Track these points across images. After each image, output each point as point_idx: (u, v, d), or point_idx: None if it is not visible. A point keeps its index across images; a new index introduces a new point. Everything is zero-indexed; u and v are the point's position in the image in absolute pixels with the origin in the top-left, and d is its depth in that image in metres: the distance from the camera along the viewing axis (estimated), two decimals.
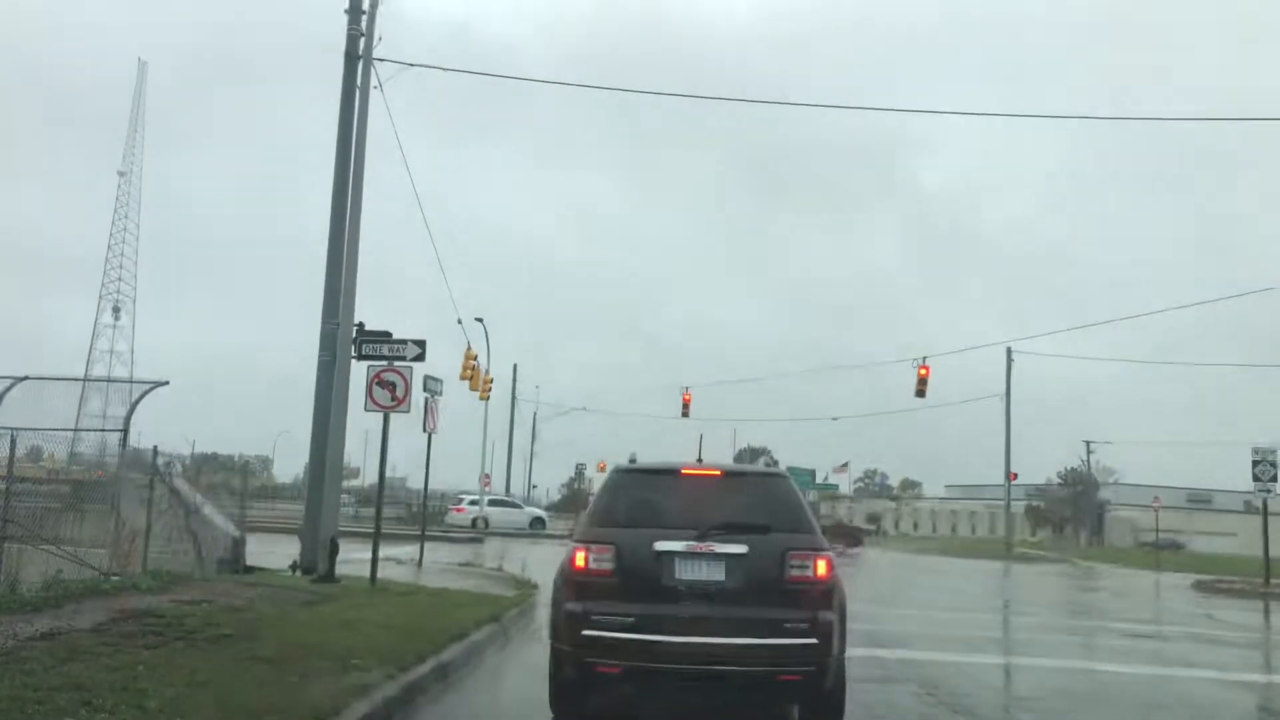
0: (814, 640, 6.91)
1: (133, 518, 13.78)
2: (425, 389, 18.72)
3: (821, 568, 7.18)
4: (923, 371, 34.36)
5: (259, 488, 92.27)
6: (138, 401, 17.96)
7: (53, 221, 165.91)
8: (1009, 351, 50.32)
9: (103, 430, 15.56)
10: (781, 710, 7.85)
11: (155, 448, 13.70)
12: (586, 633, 6.95)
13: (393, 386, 14.06)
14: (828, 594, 7.16)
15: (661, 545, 7.11)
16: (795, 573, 7.12)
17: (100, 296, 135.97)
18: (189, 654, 7.81)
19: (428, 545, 30.73)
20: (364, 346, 14.33)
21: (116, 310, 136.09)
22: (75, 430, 16.30)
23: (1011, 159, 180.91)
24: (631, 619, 6.94)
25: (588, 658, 7.00)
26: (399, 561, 19.50)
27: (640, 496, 7.84)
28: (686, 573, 7.08)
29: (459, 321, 35.19)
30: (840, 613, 7.23)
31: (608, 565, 7.17)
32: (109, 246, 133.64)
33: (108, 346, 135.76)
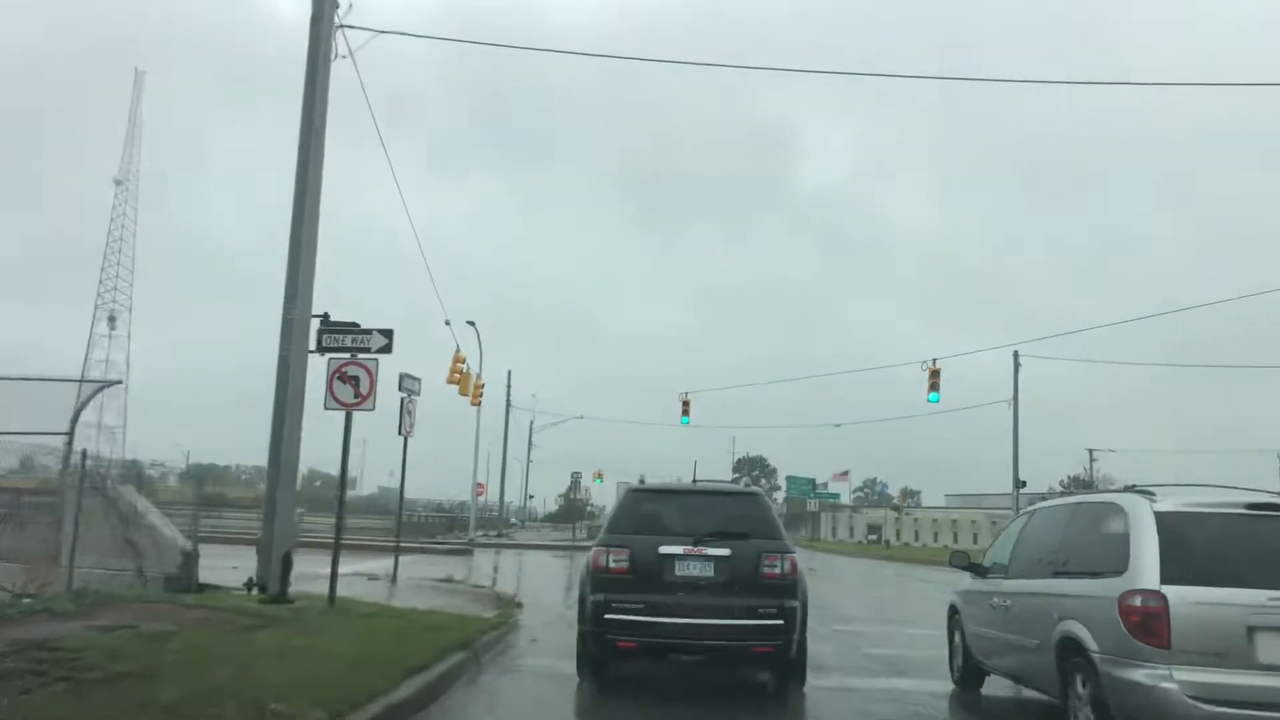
0: (781, 622, 8.80)
1: (62, 530, 12.21)
2: (402, 388, 17.21)
3: (788, 566, 9.05)
4: (933, 372, 32.82)
5: (253, 499, 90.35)
6: (85, 403, 16.44)
7: (48, 230, 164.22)
8: (1015, 355, 48.69)
9: (41, 434, 13.97)
10: (758, 675, 10.10)
11: (84, 451, 12.16)
12: (608, 616, 8.84)
13: (356, 381, 12.52)
14: (793, 587, 9.05)
15: (665, 549, 9.01)
16: (768, 570, 8.98)
17: (96, 305, 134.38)
18: (64, 700, 6.24)
19: (414, 559, 29.17)
20: (324, 337, 12.78)
21: (112, 319, 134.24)
22: (12, 433, 14.69)
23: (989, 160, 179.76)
24: (642, 605, 8.77)
25: (609, 635, 8.88)
26: (372, 577, 17.91)
27: (648, 510, 9.66)
28: (684, 570, 8.97)
29: (447, 323, 33.63)
30: (803, 601, 9.21)
31: (624, 564, 8.99)
32: (105, 255, 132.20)
33: (103, 355, 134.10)
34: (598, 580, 9.06)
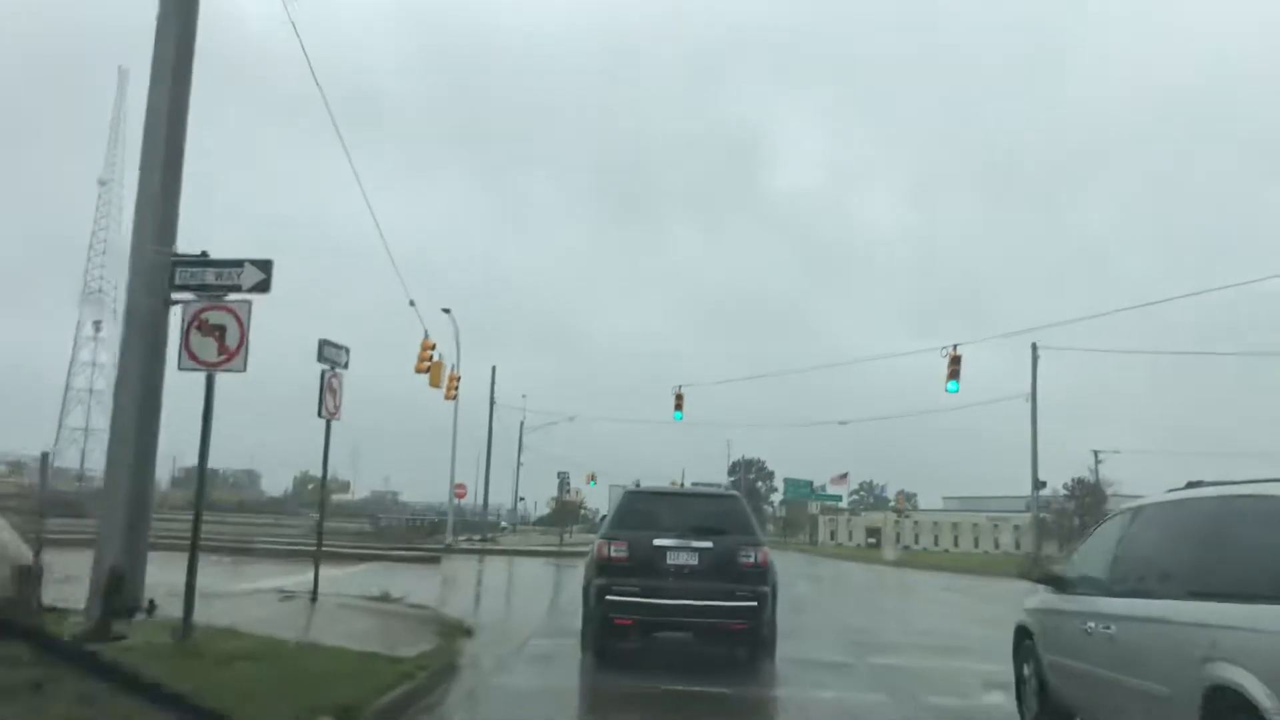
0: (754, 603, 10.47)
1: None
2: (322, 358, 13.71)
3: (760, 557, 10.78)
4: (954, 358, 29.32)
5: (236, 502, 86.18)
6: None
7: (31, 231, 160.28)
8: (1034, 347, 45.25)
9: None
10: (734, 650, 11.25)
11: None
12: (609, 598, 10.43)
13: (220, 332, 9.03)
14: (764, 575, 10.74)
15: (658, 541, 10.65)
16: (743, 560, 10.67)
17: (81, 307, 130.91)
18: None
19: (370, 568, 25.54)
20: (179, 273, 9.29)
21: (97, 322, 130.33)
22: None
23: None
24: (639, 589, 10.40)
25: (610, 614, 10.48)
26: (287, 595, 14.34)
27: (644, 509, 11.48)
28: (674, 559, 10.60)
29: (411, 303, 29.98)
30: (773, 587, 10.93)
31: (623, 554, 10.65)
32: (89, 256, 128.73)
33: (89, 358, 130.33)
34: (601, 567, 10.61)
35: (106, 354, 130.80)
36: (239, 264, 9.18)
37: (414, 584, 20.41)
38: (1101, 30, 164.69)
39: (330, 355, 13.72)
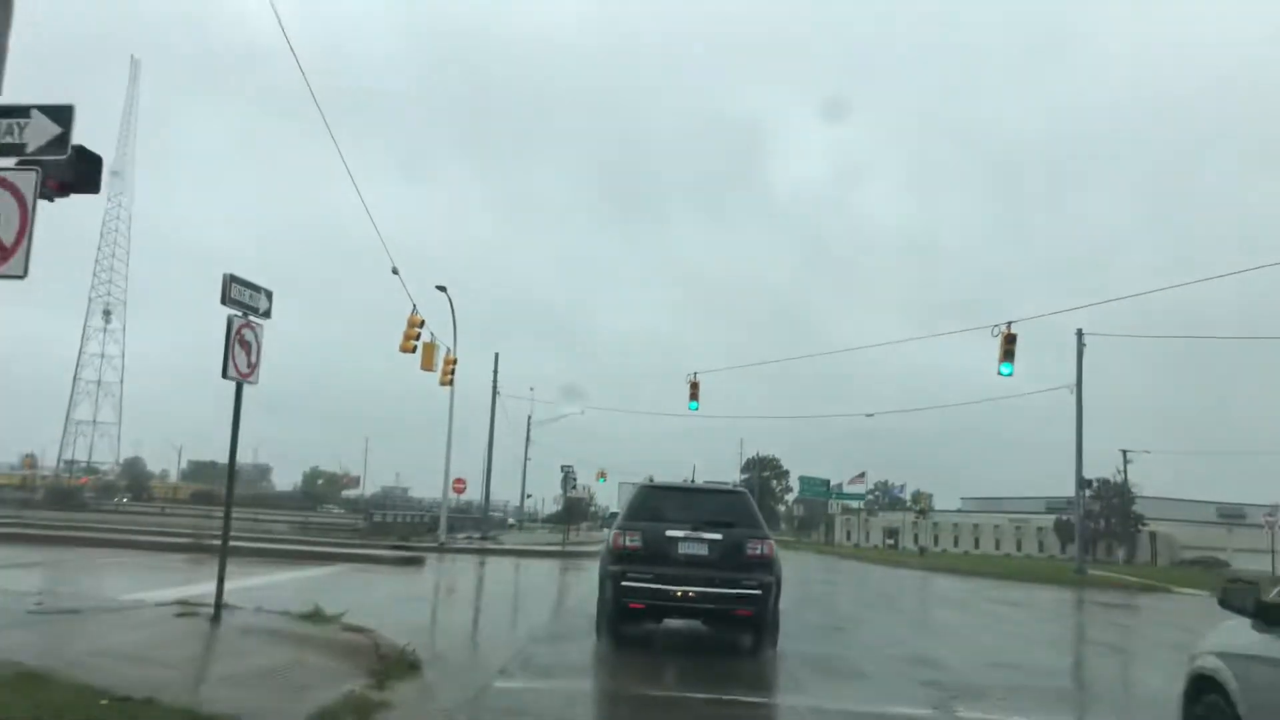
0: (759, 591, 11.11)
1: None
2: (229, 299, 10.44)
3: (765, 549, 11.46)
4: (1008, 337, 25.95)
5: (251, 496, 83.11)
6: None
7: (42, 221, 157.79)
8: (1079, 334, 41.82)
9: None
10: (739, 636, 12.20)
11: None
12: (624, 584, 11.12)
13: None
14: (769, 565, 11.43)
15: (670, 532, 11.37)
16: (750, 551, 11.38)
17: (90, 299, 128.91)
18: None
19: (338, 570, 22.36)
20: None
21: (107, 313, 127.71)
22: None
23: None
24: (651, 576, 11.07)
25: (624, 599, 11.15)
26: (187, 608, 11.01)
27: (658, 502, 12.09)
28: (685, 549, 11.31)
29: (395, 271, 26.79)
30: (777, 577, 11.55)
31: (637, 543, 11.36)
32: (99, 248, 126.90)
33: (98, 350, 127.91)
34: (617, 555, 11.40)
35: (115, 345, 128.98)
36: (24, 111, 5.92)
37: (377, 592, 17.19)
38: (1105, 22, 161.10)
39: (240, 297, 10.46)
